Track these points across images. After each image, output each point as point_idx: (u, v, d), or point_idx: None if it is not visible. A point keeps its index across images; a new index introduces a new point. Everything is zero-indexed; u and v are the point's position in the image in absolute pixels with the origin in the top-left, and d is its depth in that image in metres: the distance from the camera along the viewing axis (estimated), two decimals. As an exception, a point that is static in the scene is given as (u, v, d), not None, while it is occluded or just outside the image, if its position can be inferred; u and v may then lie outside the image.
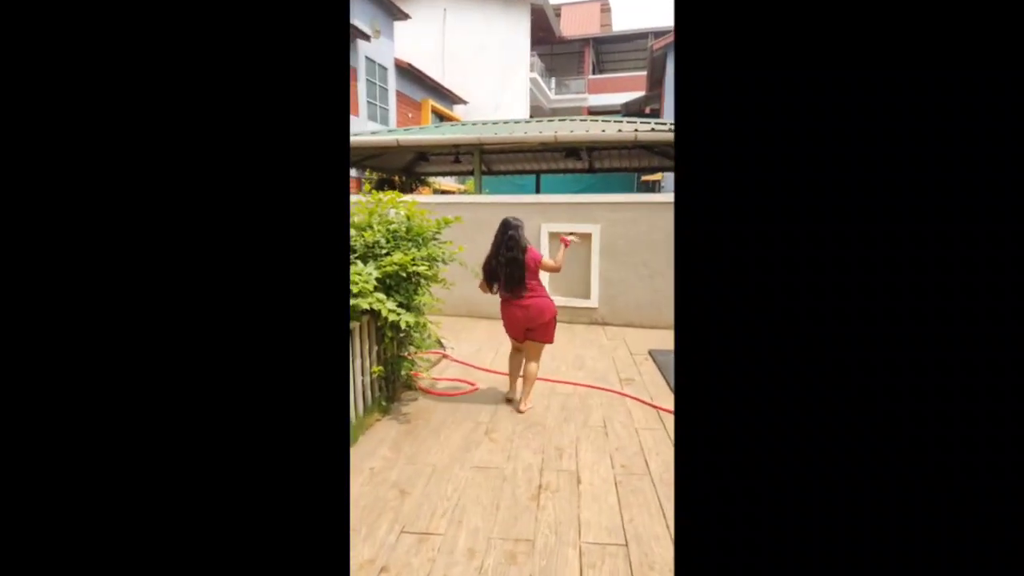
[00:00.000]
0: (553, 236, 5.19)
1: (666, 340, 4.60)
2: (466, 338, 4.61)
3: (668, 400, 3.16)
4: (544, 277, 3.04)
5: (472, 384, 3.39)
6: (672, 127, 5.35)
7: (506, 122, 7.32)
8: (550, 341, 2.96)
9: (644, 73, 18.04)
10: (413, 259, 2.72)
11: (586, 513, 1.95)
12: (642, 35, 20.52)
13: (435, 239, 3.07)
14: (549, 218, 5.19)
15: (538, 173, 9.15)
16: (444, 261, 3.01)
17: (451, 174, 9.87)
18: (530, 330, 2.90)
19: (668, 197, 5.11)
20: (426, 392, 3.24)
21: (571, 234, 2.88)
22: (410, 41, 16.90)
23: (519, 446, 2.52)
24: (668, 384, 3.45)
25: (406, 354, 3.05)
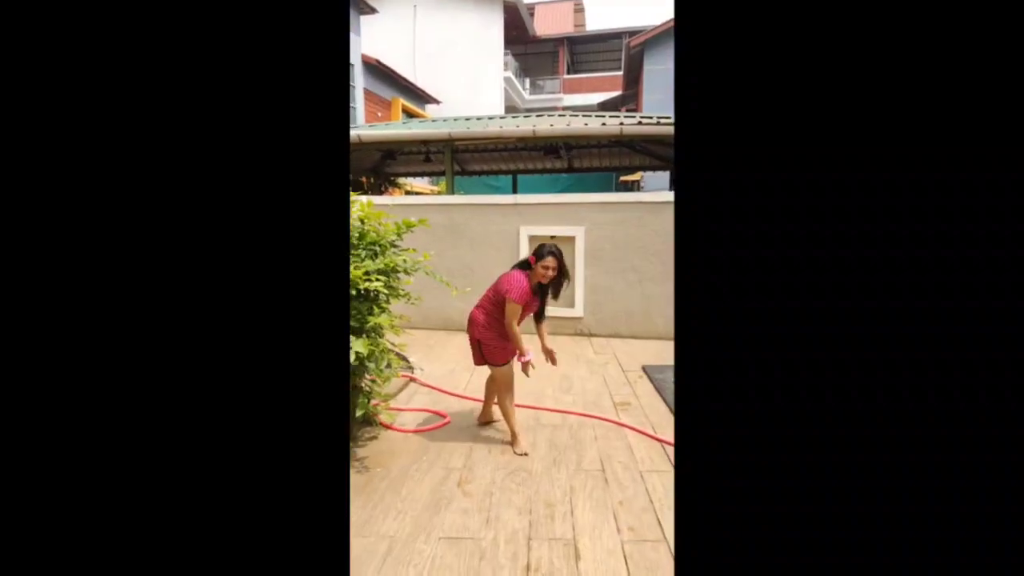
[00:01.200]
0: (533, 239, 4.71)
1: (660, 353, 4.17)
2: (438, 356, 4.10)
3: (672, 430, 2.71)
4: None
5: (443, 415, 2.88)
6: (659, 120, 4.94)
7: (480, 118, 6.83)
8: (476, 363, 2.55)
9: (619, 73, 17.84)
10: (366, 273, 2.20)
11: (592, 612, 1.47)
12: (616, 35, 20.32)
13: (395, 246, 2.55)
14: (529, 221, 4.72)
15: (515, 173, 8.69)
16: (406, 272, 2.50)
17: (422, 174, 9.33)
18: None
19: (657, 196, 4.69)
20: (388, 428, 2.72)
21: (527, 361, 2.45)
22: (379, 37, 16.23)
23: (500, 503, 2.03)
24: (669, 408, 3.01)
25: (362, 384, 2.53)
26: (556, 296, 2.47)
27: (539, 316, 2.54)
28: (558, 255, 2.37)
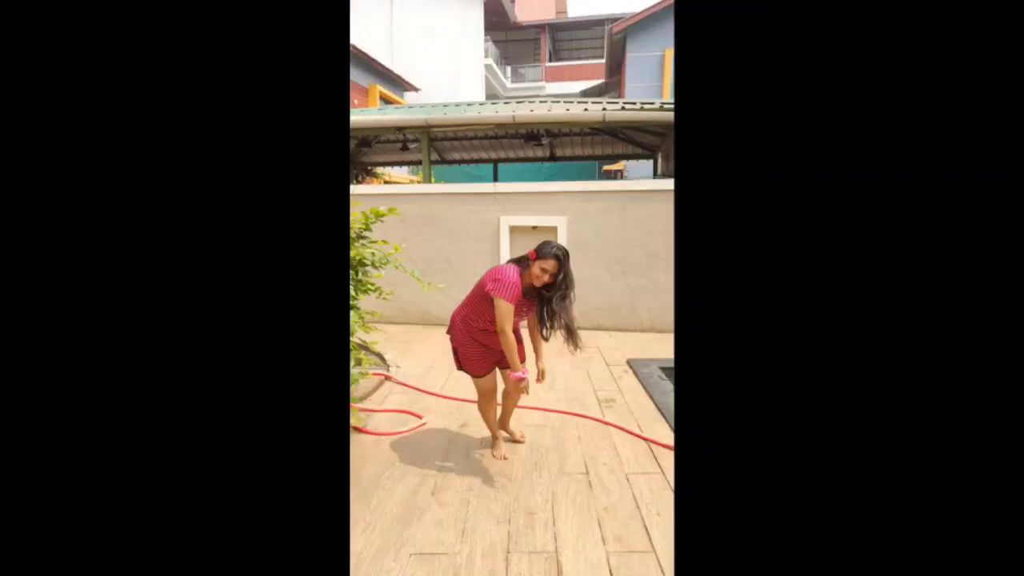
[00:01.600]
0: (515, 230, 4.56)
1: (644, 347, 4.07)
2: (416, 352, 3.93)
3: (659, 428, 2.60)
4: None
5: (419, 416, 2.73)
6: (643, 106, 4.81)
7: (458, 104, 6.61)
8: (456, 367, 2.28)
9: (602, 61, 17.64)
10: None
11: (575, 637, 1.35)
12: (598, 22, 20.08)
13: (363, 237, 2.37)
14: (510, 210, 4.56)
15: (495, 162, 8.50)
16: (374, 265, 2.32)
17: (400, 163, 9.07)
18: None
19: (640, 184, 4.57)
20: (359, 431, 2.56)
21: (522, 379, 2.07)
22: (354, 22, 15.74)
23: (477, 511, 1.89)
24: (656, 404, 2.91)
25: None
26: (560, 314, 2.02)
27: (542, 327, 2.12)
28: (561, 259, 1.96)
